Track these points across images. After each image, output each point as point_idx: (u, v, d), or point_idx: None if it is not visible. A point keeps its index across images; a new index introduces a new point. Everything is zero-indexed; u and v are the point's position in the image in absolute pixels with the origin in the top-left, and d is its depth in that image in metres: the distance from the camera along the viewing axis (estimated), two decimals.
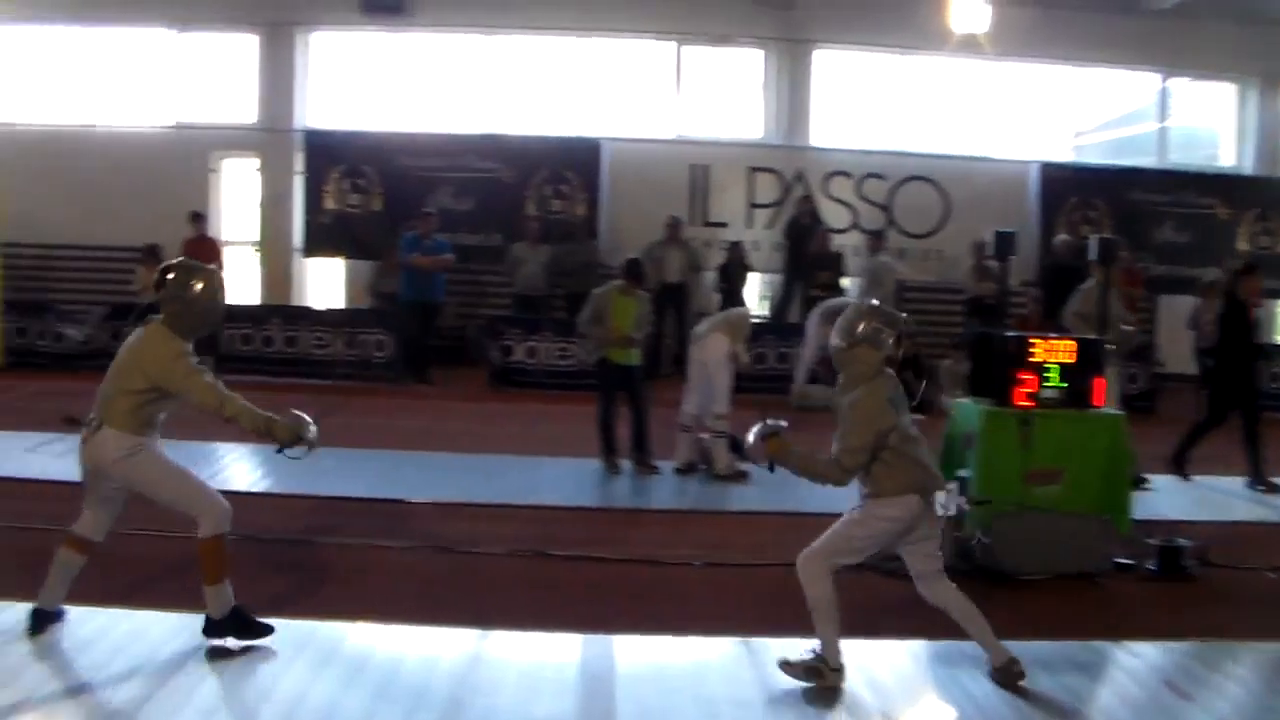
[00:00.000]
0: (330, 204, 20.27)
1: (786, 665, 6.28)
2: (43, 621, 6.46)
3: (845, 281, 19.14)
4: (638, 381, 11.88)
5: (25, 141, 20.18)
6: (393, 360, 17.46)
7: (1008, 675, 6.30)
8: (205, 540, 6.32)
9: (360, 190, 20.28)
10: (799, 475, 6.46)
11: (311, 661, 6.33)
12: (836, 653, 6.24)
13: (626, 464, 11.91)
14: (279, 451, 6.35)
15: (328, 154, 20.42)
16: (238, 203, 21.20)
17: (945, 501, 6.37)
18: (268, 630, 6.48)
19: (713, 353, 11.79)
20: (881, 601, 7.95)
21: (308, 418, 6.47)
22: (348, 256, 20.75)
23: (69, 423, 7.02)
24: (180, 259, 6.75)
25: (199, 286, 6.39)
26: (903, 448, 6.23)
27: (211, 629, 6.38)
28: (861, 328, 6.34)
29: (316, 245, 20.60)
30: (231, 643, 6.35)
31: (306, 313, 18.73)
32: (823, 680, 6.20)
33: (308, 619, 6.86)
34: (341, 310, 19.45)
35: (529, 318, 17.81)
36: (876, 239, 19.47)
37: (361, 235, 19.96)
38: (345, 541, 8.69)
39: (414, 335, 17.63)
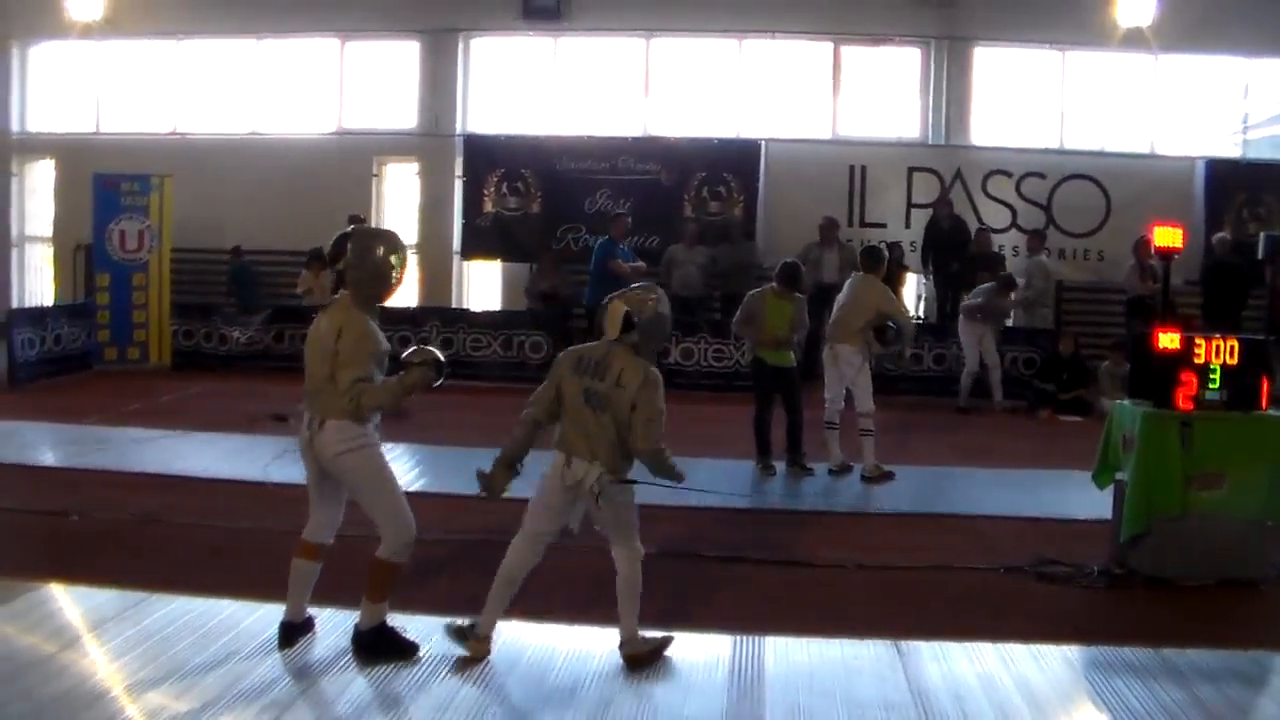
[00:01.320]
0: (488, 207, 20.58)
1: None
2: (292, 634, 6.52)
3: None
4: (793, 382, 11.90)
5: (196, 151, 20.98)
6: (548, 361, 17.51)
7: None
8: (381, 563, 6.32)
9: (518, 193, 20.56)
10: None
11: (465, 659, 6.46)
12: None
13: (780, 465, 11.93)
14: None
15: (487, 157, 20.74)
16: (398, 206, 21.63)
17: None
18: (413, 649, 6.48)
19: (843, 352, 11.82)
20: (1032, 604, 7.90)
21: (428, 349, 6.59)
22: (505, 259, 21.00)
23: (277, 419, 7.24)
24: (353, 228, 6.69)
25: (379, 250, 6.35)
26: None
27: (358, 639, 6.42)
28: None
29: (474, 248, 20.91)
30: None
31: (463, 314, 19.11)
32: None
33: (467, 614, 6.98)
34: (498, 312, 19.71)
35: (685, 319, 17.78)
36: (1037, 238, 19.20)
37: (519, 238, 20.28)
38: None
39: None
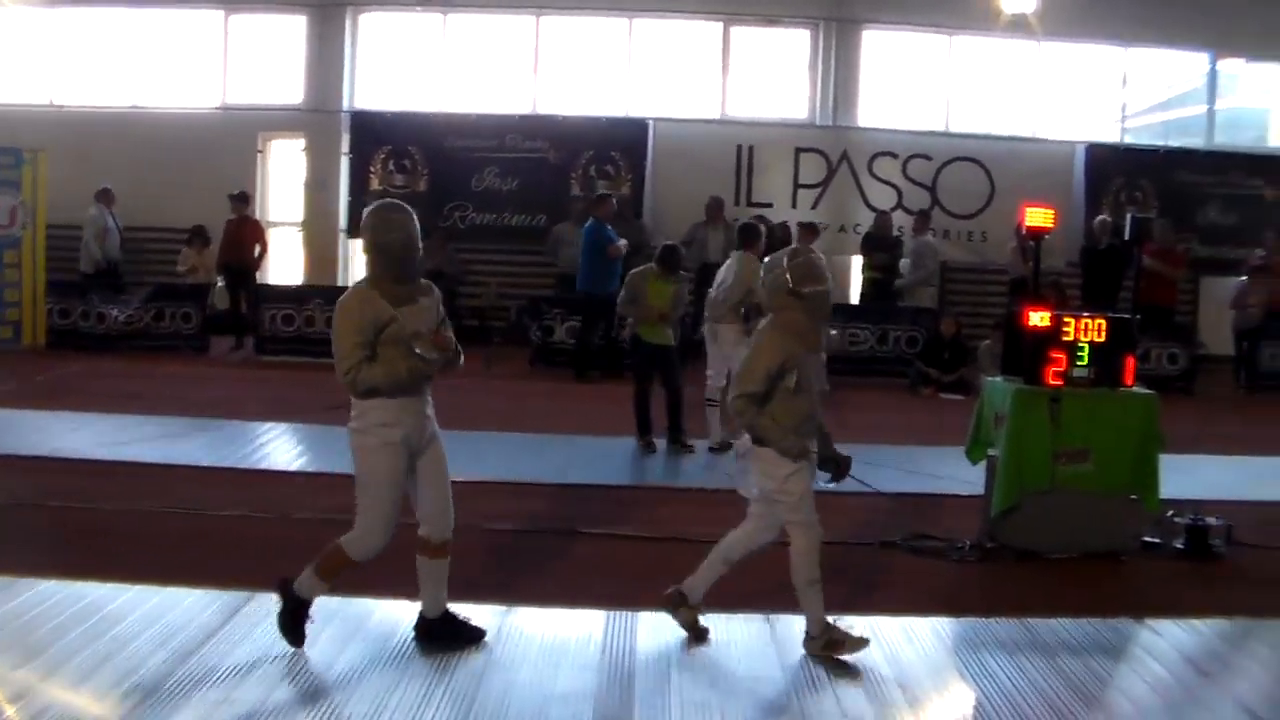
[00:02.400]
0: (375, 185, 20.39)
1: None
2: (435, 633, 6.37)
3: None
4: (672, 361, 11.92)
5: (73, 124, 20.45)
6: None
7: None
8: (339, 547, 6.14)
9: (405, 171, 20.43)
10: None
11: (337, 636, 6.38)
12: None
13: (662, 442, 11.97)
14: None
15: (374, 135, 20.58)
16: (283, 183, 21.36)
17: None
18: (300, 638, 6.22)
19: (723, 331, 11.91)
20: (904, 578, 8.01)
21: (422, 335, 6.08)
22: None
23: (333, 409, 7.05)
24: (396, 201, 6.30)
25: (394, 230, 6.01)
26: None
27: (284, 601, 6.19)
28: None
29: (360, 225, 20.58)
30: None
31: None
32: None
33: (338, 595, 6.91)
34: None
35: (571, 298, 17.74)
36: (922, 219, 19.44)
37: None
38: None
39: (590, 329, 17.08)
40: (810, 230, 18.67)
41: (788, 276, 6.24)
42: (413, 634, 6.36)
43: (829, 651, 6.34)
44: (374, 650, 6.19)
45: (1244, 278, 18.52)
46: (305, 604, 6.19)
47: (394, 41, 21.36)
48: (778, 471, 6.34)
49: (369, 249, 6.07)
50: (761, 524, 6.59)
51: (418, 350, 5.96)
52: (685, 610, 6.60)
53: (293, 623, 6.18)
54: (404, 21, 21.31)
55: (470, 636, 6.37)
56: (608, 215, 16.92)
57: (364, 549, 6.10)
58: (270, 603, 6.35)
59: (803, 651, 6.39)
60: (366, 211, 6.20)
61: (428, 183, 20.41)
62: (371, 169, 20.48)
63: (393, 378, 5.93)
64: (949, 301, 19.85)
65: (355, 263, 21.27)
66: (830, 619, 6.41)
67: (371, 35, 21.37)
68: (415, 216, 6.11)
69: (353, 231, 20.64)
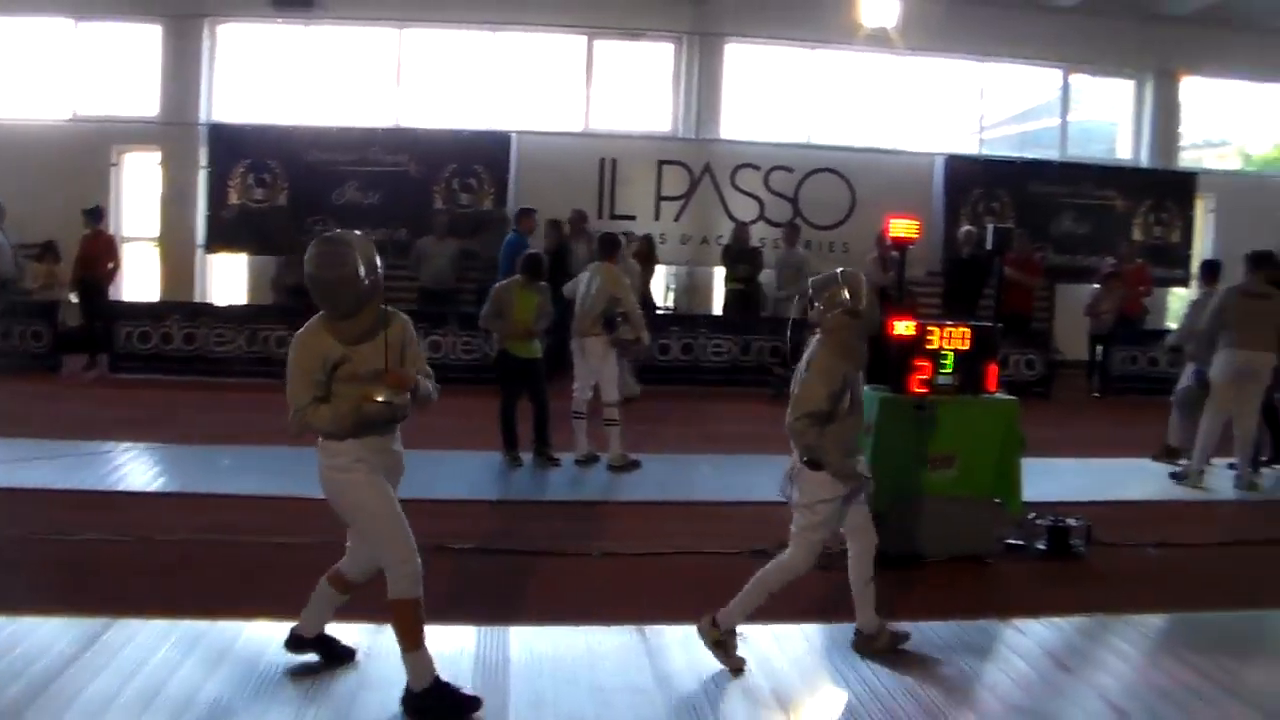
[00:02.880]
0: (234, 198, 20.04)
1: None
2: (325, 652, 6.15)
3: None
4: (538, 374, 11.87)
5: None
6: None
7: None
8: (396, 602, 5.68)
9: (264, 185, 20.08)
10: None
11: (203, 661, 6.23)
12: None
13: (528, 456, 11.92)
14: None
15: (232, 148, 20.18)
16: (138, 197, 20.84)
17: None
18: (476, 704, 5.80)
19: (589, 345, 11.93)
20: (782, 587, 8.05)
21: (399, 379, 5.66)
22: (251, 252, 20.46)
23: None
24: (337, 232, 5.79)
25: (324, 265, 5.54)
26: None
27: (411, 703, 5.72)
28: None
29: (219, 241, 20.34)
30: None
31: (207, 309, 18.50)
32: None
33: (202, 619, 6.77)
34: (243, 306, 19.25)
35: (435, 311, 17.59)
36: (793, 231, 19.61)
37: (265, 230, 19.67)
38: (241, 540, 8.62)
39: None
40: (793, 230, 19.49)
41: (845, 294, 6.30)
42: (284, 649, 6.20)
43: (887, 647, 6.59)
44: (242, 674, 6.04)
45: (1097, 285, 19.00)
46: (436, 683, 5.73)
47: (253, 53, 21.02)
48: (821, 493, 6.39)
49: (306, 283, 5.61)
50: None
51: (378, 394, 5.53)
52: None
53: (452, 705, 5.75)
54: (263, 32, 20.98)
55: (342, 655, 6.25)
56: (529, 229, 16.81)
57: (413, 578, 5.67)
58: (133, 628, 6.19)
59: (677, 663, 6.38)
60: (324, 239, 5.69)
61: (288, 197, 20.06)
62: (230, 183, 20.09)
63: (337, 423, 5.55)
64: None
65: (213, 279, 20.92)
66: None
67: (230, 46, 21.03)
68: (359, 247, 5.63)
69: (211, 246, 20.30)
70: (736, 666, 6.39)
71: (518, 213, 17.10)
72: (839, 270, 6.50)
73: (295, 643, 6.18)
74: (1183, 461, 12.30)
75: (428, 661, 5.71)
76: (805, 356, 6.51)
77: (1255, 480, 11.92)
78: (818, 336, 6.45)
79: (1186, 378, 12.74)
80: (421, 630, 5.69)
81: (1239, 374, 11.57)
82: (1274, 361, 11.52)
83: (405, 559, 5.65)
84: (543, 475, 11.62)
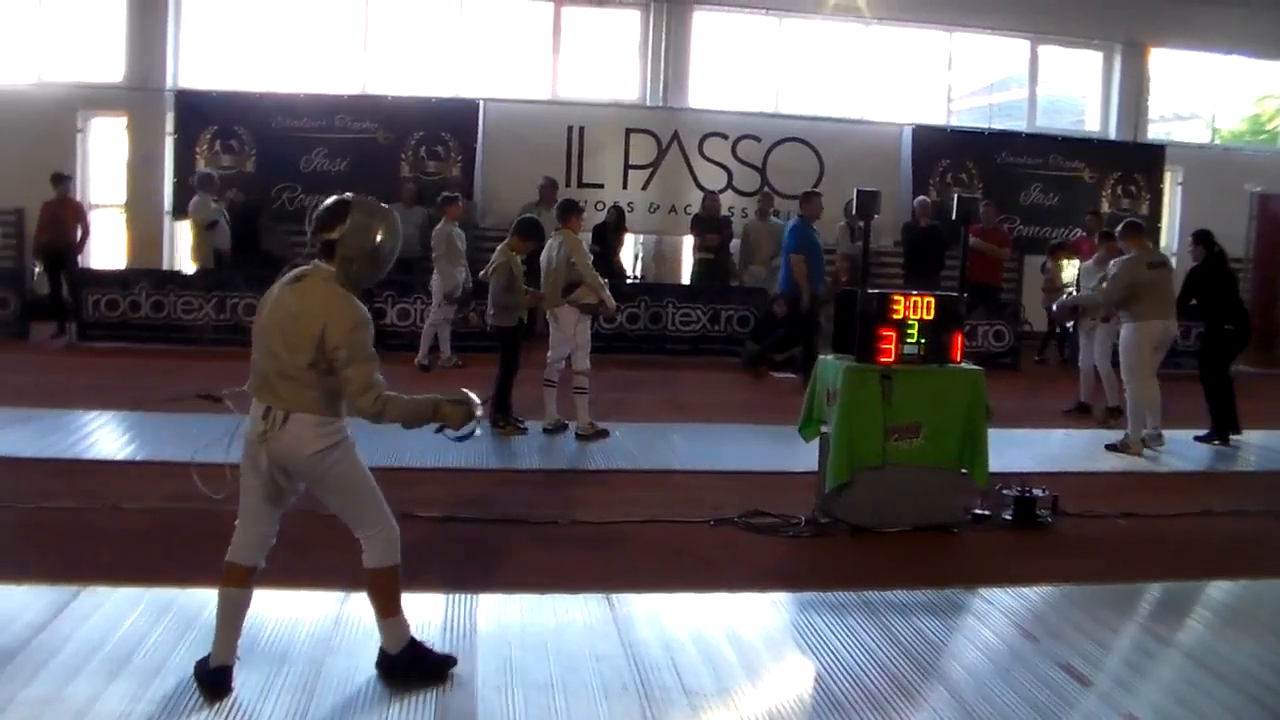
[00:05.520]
0: (202, 165, 19.80)
1: None
2: (223, 681, 5.50)
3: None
4: (516, 342, 11.99)
5: None
6: None
7: None
8: (379, 570, 5.62)
9: (232, 151, 19.98)
10: None
11: (172, 628, 6.22)
12: None
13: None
14: (439, 430, 5.67)
15: (199, 114, 20.06)
16: (105, 163, 20.67)
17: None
18: (451, 663, 5.86)
19: (560, 314, 11.94)
20: (741, 554, 8.10)
21: (472, 394, 5.68)
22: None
23: (209, 399, 6.52)
24: (352, 196, 5.63)
25: (380, 231, 5.50)
26: None
27: (387, 664, 5.74)
28: None
29: (186, 207, 20.12)
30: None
31: (175, 276, 18.43)
32: None
33: (172, 586, 6.76)
34: (211, 273, 19.16)
35: (403, 279, 17.55)
36: (767, 200, 19.66)
37: (233, 197, 19.62)
38: (209, 508, 8.59)
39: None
40: (767, 199, 19.76)
41: None
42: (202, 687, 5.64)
43: None
44: (210, 641, 6.04)
45: (1044, 260, 19.10)
46: (411, 644, 5.75)
47: (220, 19, 20.84)
48: None
49: (359, 253, 5.45)
50: None
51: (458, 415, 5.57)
52: None
53: (428, 665, 5.77)
54: None
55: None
56: (455, 217, 16.44)
57: (395, 544, 5.62)
58: (101, 595, 6.18)
59: (644, 631, 6.42)
60: (353, 204, 5.52)
61: (255, 163, 19.99)
62: (197, 149, 19.96)
63: (409, 415, 5.49)
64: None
65: (180, 246, 20.80)
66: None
67: (196, 12, 20.85)
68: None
69: (178, 214, 20.18)
70: None
71: (441, 200, 16.87)
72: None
73: (213, 677, 5.58)
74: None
75: (404, 625, 5.73)
76: None
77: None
78: None
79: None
80: (399, 597, 5.69)
81: (1164, 341, 11.97)
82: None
83: (390, 525, 5.61)
84: (510, 443, 11.61)
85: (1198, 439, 12.57)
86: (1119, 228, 12.46)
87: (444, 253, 15.76)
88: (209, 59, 20.80)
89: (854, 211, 9.89)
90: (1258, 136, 24.38)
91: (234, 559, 5.55)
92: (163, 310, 17.44)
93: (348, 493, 5.55)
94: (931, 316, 8.76)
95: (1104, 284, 12.20)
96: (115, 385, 13.91)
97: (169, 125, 20.24)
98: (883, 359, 8.70)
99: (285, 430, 5.33)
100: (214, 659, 5.51)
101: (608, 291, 12.12)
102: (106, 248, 20.51)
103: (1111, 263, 12.26)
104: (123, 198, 20.72)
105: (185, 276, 18.28)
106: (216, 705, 5.35)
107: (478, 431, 5.65)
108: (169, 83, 20.42)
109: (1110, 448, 12.09)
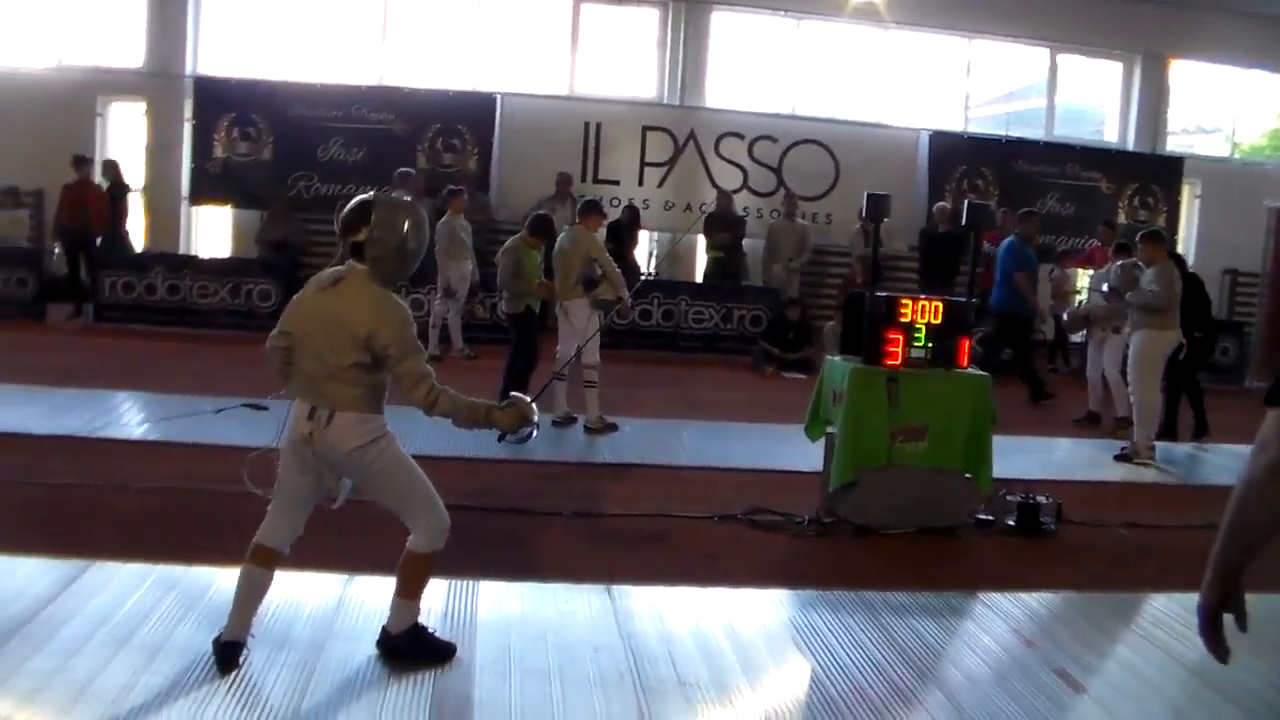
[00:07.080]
0: (219, 152, 19.97)
1: None
2: (232, 655, 5.58)
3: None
4: (532, 328, 12.18)
5: None
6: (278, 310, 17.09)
7: None
8: (419, 555, 5.72)
9: (249, 139, 20.02)
10: None
11: (177, 605, 6.29)
12: None
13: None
14: (501, 439, 5.68)
15: (218, 101, 20.10)
16: (124, 147, 20.69)
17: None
18: (451, 650, 5.93)
19: (571, 307, 11.99)
20: (744, 551, 8.13)
21: (525, 397, 5.84)
22: (235, 205, 20.41)
23: (255, 408, 6.56)
24: (374, 195, 5.68)
25: (406, 225, 5.53)
26: None
27: (389, 643, 5.83)
28: None
29: (203, 193, 20.30)
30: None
31: (191, 261, 18.55)
32: None
33: (178, 564, 6.82)
34: (227, 259, 19.25)
35: (416, 270, 17.37)
36: (792, 201, 19.76)
37: (249, 184, 19.75)
38: (218, 489, 8.64)
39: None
40: (792, 200, 19.90)
41: None
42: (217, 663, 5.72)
43: None
44: (214, 619, 6.06)
45: (1052, 268, 19.12)
46: (414, 627, 5.84)
47: (240, 7, 20.86)
48: None
49: (388, 251, 5.49)
50: None
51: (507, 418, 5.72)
52: None
53: (429, 650, 5.86)
54: None
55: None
56: (459, 210, 16.42)
57: (441, 534, 5.73)
58: (109, 571, 6.23)
59: (643, 623, 6.46)
60: (376, 204, 5.56)
61: (272, 152, 20.02)
62: (215, 136, 20.02)
63: (461, 414, 5.63)
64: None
65: (197, 230, 20.88)
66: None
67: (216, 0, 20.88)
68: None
69: (195, 199, 20.26)
70: None
71: (446, 193, 16.96)
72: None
73: (224, 651, 5.67)
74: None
75: (415, 612, 5.81)
76: None
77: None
78: None
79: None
80: (425, 585, 5.81)
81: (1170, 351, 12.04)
82: None
83: (440, 516, 5.72)
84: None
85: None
86: (1139, 236, 12.42)
87: (446, 248, 15.80)
88: (228, 47, 20.79)
89: (863, 215, 9.92)
90: (1278, 151, 24.29)
91: (263, 540, 5.68)
92: (178, 294, 17.53)
93: (393, 485, 5.68)
94: (939, 321, 8.80)
95: (1145, 288, 11.99)
96: (128, 366, 14.00)
97: (187, 112, 20.24)
98: (889, 361, 8.75)
99: (330, 428, 5.44)
100: (226, 634, 5.60)
101: (627, 290, 12.19)
102: (125, 231, 20.55)
103: (1149, 270, 12.09)
104: (141, 182, 20.76)
105: (202, 261, 18.41)
106: (219, 681, 5.40)
107: (535, 432, 5.91)
108: (188, 69, 20.42)
109: (1119, 458, 12.09)
